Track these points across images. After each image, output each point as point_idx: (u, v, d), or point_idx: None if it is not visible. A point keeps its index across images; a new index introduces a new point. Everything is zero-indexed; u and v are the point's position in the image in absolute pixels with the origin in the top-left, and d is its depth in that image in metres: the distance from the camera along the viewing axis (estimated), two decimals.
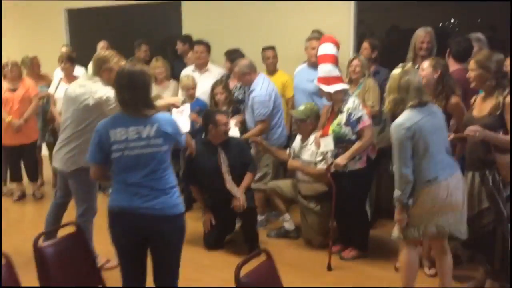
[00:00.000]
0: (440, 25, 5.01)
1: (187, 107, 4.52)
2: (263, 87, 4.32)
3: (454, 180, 2.83)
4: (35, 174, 5.56)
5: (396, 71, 2.92)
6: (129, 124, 2.44)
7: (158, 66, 5.20)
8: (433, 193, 2.79)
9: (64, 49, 5.99)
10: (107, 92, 3.24)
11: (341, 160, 3.62)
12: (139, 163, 2.45)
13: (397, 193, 2.81)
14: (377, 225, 4.41)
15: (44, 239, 2.46)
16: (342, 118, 3.67)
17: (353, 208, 3.80)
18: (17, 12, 7.29)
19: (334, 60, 3.73)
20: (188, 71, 5.17)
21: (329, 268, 3.65)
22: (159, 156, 2.46)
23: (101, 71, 3.42)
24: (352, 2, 5.17)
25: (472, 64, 3.05)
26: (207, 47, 5.15)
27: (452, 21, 5.05)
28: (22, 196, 5.51)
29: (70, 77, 5.49)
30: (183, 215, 2.56)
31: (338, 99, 3.71)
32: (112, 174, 2.53)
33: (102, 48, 5.92)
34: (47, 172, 5.85)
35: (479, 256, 3.16)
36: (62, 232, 2.62)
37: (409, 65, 3.00)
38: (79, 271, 2.39)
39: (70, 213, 3.68)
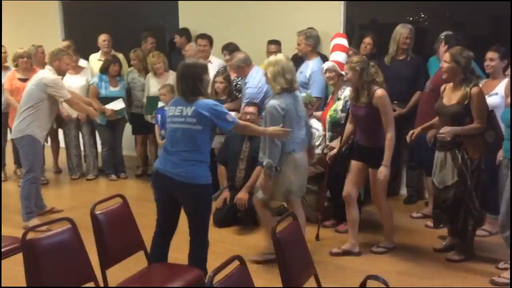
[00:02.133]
0: (411, 19, 5.30)
1: None
2: (255, 80, 4.67)
3: (303, 154, 3.54)
4: None
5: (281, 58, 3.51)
6: (178, 104, 3.01)
7: (155, 62, 5.52)
8: (292, 162, 3.44)
9: (65, 43, 6.18)
10: (52, 78, 4.33)
11: (335, 144, 4.00)
12: (176, 135, 2.96)
13: (268, 162, 3.34)
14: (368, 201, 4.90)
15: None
16: (338, 104, 4.06)
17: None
18: (12, 5, 7.38)
19: (348, 53, 4.21)
20: None
21: (317, 238, 4.09)
22: (192, 132, 2.92)
23: (52, 61, 4.46)
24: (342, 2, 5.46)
25: (446, 56, 3.53)
26: (210, 40, 5.48)
27: (422, 15, 5.38)
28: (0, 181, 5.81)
29: (76, 68, 5.77)
30: (207, 186, 2.99)
31: (339, 86, 4.09)
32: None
33: (102, 41, 6.18)
34: (48, 159, 6.10)
35: (445, 217, 3.72)
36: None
37: (280, 55, 3.59)
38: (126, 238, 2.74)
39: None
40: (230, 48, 5.15)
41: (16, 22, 7.55)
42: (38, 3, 7.36)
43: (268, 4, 5.82)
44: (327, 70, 4.14)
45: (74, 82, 5.70)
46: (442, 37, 4.37)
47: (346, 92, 4.02)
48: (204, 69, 3.08)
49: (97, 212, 2.63)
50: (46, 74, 4.41)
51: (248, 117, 4.38)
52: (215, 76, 5.04)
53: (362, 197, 4.77)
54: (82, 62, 5.96)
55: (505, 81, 3.84)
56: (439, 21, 5.29)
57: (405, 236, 4.21)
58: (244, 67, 4.71)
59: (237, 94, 5.03)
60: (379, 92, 3.51)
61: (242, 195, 4.24)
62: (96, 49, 6.27)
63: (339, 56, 4.12)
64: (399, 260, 3.77)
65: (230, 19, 6.08)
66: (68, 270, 2.38)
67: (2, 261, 2.86)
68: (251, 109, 4.40)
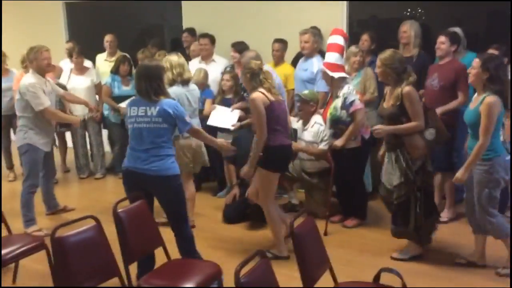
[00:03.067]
0: (408, 13, 5.43)
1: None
2: None
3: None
4: None
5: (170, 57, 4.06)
6: (140, 105, 3.16)
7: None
8: (177, 145, 3.99)
9: (68, 45, 6.26)
10: (26, 84, 4.13)
11: (339, 142, 4.11)
12: (142, 134, 3.13)
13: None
14: (375, 196, 5.00)
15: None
16: (338, 102, 4.14)
17: (352, 182, 4.31)
18: (16, 7, 7.44)
19: (341, 51, 4.20)
20: (195, 63, 5.59)
21: (325, 233, 4.14)
22: (157, 131, 3.11)
23: (29, 62, 4.28)
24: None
25: (378, 61, 3.67)
26: (212, 39, 5.59)
27: (419, 10, 5.46)
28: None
29: (81, 69, 5.85)
30: (177, 176, 3.19)
31: (337, 85, 4.18)
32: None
33: (107, 42, 6.26)
34: (56, 159, 6.12)
35: (398, 220, 3.70)
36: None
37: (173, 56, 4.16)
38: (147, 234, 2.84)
39: None
40: (238, 47, 5.22)
41: (20, 24, 7.62)
42: (41, 5, 7.41)
43: (271, 3, 5.90)
44: (321, 72, 4.29)
45: (79, 83, 5.79)
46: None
47: (345, 89, 4.10)
48: (163, 70, 3.32)
49: (119, 210, 2.72)
50: (24, 80, 4.21)
51: None
52: (223, 74, 5.12)
53: (370, 190, 4.92)
54: (87, 63, 6.03)
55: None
56: (439, 17, 5.40)
57: None
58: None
59: (243, 93, 5.11)
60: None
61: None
62: (102, 49, 6.34)
63: (332, 57, 4.14)
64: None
65: (233, 18, 6.16)
66: (94, 266, 2.49)
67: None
68: None
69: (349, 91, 4.11)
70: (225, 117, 4.93)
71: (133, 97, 3.32)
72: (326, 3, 5.60)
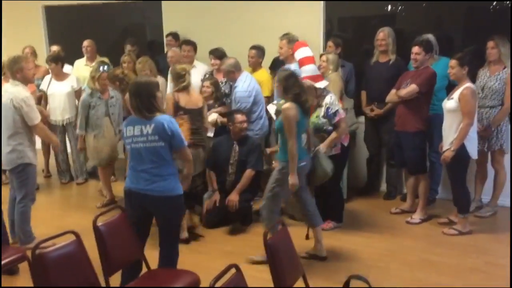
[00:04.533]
0: (389, 9, 5.55)
1: None
2: (244, 84, 4.88)
3: None
4: None
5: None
6: (135, 124, 3.08)
7: (141, 69, 5.49)
8: None
9: (55, 48, 6.26)
10: (22, 97, 3.86)
11: (323, 148, 4.15)
12: (141, 154, 3.07)
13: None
14: (349, 200, 5.17)
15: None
16: (320, 111, 4.21)
17: (329, 187, 4.41)
18: None
19: (314, 61, 4.26)
20: None
21: (307, 237, 4.18)
22: (156, 149, 3.05)
23: (14, 72, 3.95)
24: (322, 2, 5.61)
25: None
26: (194, 46, 5.65)
27: (400, 7, 5.54)
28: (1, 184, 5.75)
29: (61, 75, 5.87)
30: (180, 196, 3.15)
31: (319, 94, 4.23)
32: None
33: (85, 47, 6.27)
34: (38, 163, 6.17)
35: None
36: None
37: None
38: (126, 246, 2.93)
39: None
40: (217, 54, 5.30)
41: None
42: (20, 7, 7.35)
43: (250, 8, 5.98)
44: None
45: (59, 89, 5.80)
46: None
47: (327, 99, 4.18)
48: (157, 86, 3.20)
49: (99, 224, 2.80)
50: (16, 93, 3.88)
51: (244, 125, 4.60)
52: (203, 81, 5.20)
53: (345, 195, 5.09)
54: (66, 68, 6.04)
55: (461, 88, 4.12)
56: (417, 13, 5.52)
57: (386, 230, 4.48)
58: (234, 71, 4.91)
59: (223, 99, 5.21)
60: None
61: (233, 197, 4.45)
62: (81, 55, 6.36)
63: (308, 70, 4.17)
64: (381, 255, 4.02)
65: (213, 21, 6.21)
66: (75, 280, 2.56)
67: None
68: (244, 117, 4.63)
69: (332, 100, 4.15)
70: None
71: (129, 116, 3.26)
72: (303, 9, 5.69)
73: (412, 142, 4.50)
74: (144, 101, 3.06)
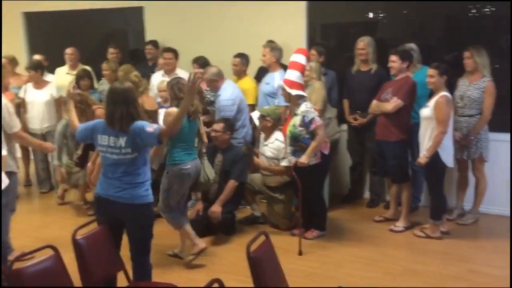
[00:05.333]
0: (371, 16, 5.61)
1: (161, 111, 5.03)
2: (227, 93, 4.85)
3: None
4: None
5: None
6: (111, 134, 3.01)
7: (125, 77, 5.49)
8: None
9: (36, 57, 6.15)
10: (7, 102, 3.84)
11: (304, 159, 4.15)
12: (114, 164, 3.04)
13: None
14: (332, 208, 5.16)
15: None
16: (296, 120, 4.21)
17: (312, 196, 4.39)
18: None
19: (302, 70, 4.28)
20: (158, 76, 5.61)
21: (300, 253, 4.14)
22: (129, 161, 3.02)
23: None
24: (304, 6, 5.61)
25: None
26: (175, 54, 5.61)
27: (381, 14, 5.60)
28: None
29: (39, 83, 5.76)
30: (149, 205, 3.12)
31: (294, 102, 4.25)
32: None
33: (68, 55, 6.19)
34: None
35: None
36: None
37: None
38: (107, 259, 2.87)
39: None
40: (200, 62, 5.28)
41: None
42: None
43: (233, 16, 5.97)
44: (280, 87, 4.36)
45: (38, 97, 5.69)
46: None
47: (302, 107, 4.16)
48: (133, 91, 3.14)
49: (78, 238, 2.74)
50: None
51: (213, 133, 4.57)
52: None
53: (328, 203, 5.08)
54: (47, 77, 5.95)
55: (437, 96, 4.19)
56: (398, 21, 5.59)
57: (369, 240, 4.48)
58: (217, 80, 4.88)
59: (207, 108, 5.17)
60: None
61: (216, 208, 4.40)
62: (62, 62, 6.27)
63: (292, 75, 4.21)
64: (364, 264, 4.01)
65: (196, 28, 6.18)
66: None
67: None
68: (217, 126, 4.60)
69: (307, 108, 4.16)
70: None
71: (103, 121, 3.10)
72: (286, 16, 5.70)
73: (393, 151, 4.52)
74: (130, 109, 2.98)
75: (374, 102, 4.60)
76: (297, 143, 4.25)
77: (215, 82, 4.90)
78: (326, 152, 4.34)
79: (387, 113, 4.46)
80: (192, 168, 3.86)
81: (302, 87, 4.29)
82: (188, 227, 4.00)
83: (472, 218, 4.77)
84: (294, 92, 4.19)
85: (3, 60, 5.93)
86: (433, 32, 5.47)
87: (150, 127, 2.99)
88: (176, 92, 3.83)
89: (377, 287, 3.61)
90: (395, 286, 3.64)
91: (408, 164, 4.71)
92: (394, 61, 4.46)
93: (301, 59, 4.27)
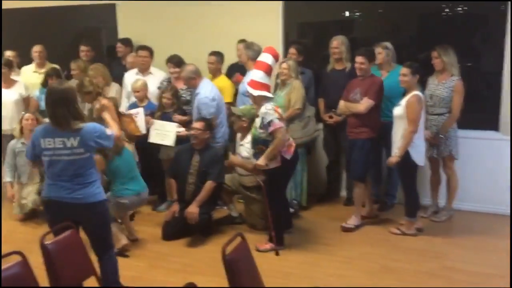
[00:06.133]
0: (348, 15, 5.62)
1: (141, 110, 4.93)
2: (207, 90, 4.78)
3: None
4: None
5: None
6: (56, 136, 2.96)
7: (95, 76, 5.23)
8: None
9: (8, 53, 5.96)
10: None
11: (261, 161, 4.04)
12: (64, 166, 3.00)
13: None
14: (309, 207, 5.16)
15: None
16: (257, 121, 4.11)
17: (270, 202, 4.19)
18: None
19: (268, 70, 4.10)
20: (132, 75, 5.50)
21: (277, 253, 4.11)
22: (81, 161, 3.01)
23: None
24: (280, 5, 5.58)
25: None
26: (150, 52, 5.50)
27: (356, 13, 5.61)
28: None
29: (9, 82, 5.59)
30: (103, 202, 3.15)
31: (258, 103, 4.10)
32: (45, 171, 3.11)
33: (35, 53, 6.01)
34: None
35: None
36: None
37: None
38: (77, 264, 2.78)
39: None
40: (175, 61, 5.18)
41: None
42: None
43: (208, 13, 5.89)
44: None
45: (7, 96, 5.53)
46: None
47: (262, 109, 4.04)
48: (73, 90, 3.14)
49: (47, 243, 2.64)
50: None
51: (193, 131, 4.49)
52: (163, 92, 5.07)
53: (305, 203, 5.09)
54: (14, 75, 5.77)
55: (409, 96, 4.23)
56: (373, 19, 5.59)
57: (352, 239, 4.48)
58: (195, 78, 4.81)
59: (183, 107, 5.10)
60: None
61: (193, 209, 4.33)
62: (29, 61, 6.09)
63: (256, 75, 4.10)
64: (341, 263, 4.01)
65: (169, 26, 6.08)
66: None
67: None
68: (197, 124, 4.52)
69: (266, 110, 3.98)
70: (164, 133, 4.91)
71: (44, 126, 3.10)
72: (262, 14, 5.65)
73: (361, 148, 4.50)
74: (70, 110, 2.96)
75: (342, 102, 4.59)
76: (257, 146, 4.12)
77: (193, 80, 4.83)
78: (288, 156, 4.09)
79: (359, 113, 4.45)
80: (130, 202, 4.20)
81: (267, 87, 4.12)
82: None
83: (445, 215, 4.82)
84: (256, 92, 4.05)
85: (9, 53, 5.91)
86: (408, 31, 5.51)
87: (108, 130, 3.16)
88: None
89: (354, 287, 3.60)
90: (372, 284, 3.65)
91: (368, 163, 4.63)
92: (363, 62, 4.45)
93: (267, 58, 4.14)
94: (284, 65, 4.85)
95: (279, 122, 3.97)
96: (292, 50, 5.18)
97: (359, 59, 4.47)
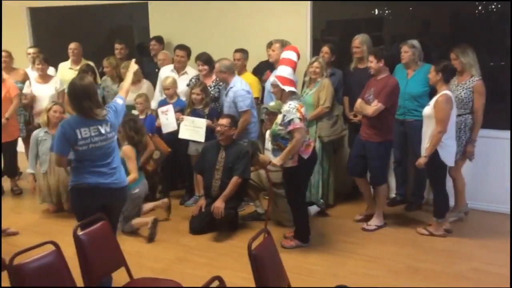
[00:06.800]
0: (377, 13, 5.55)
1: (170, 107, 5.02)
2: (242, 84, 4.84)
3: None
4: (15, 170, 5.79)
5: None
6: (90, 125, 3.19)
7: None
8: None
9: (31, 50, 6.16)
10: None
11: (277, 161, 4.04)
12: (99, 153, 3.22)
13: None
14: (336, 205, 5.16)
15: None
16: (279, 118, 4.10)
17: (290, 202, 4.25)
18: None
19: (294, 66, 4.12)
20: (167, 71, 5.59)
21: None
22: (110, 144, 3.28)
23: None
24: (308, 6, 5.57)
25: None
26: (188, 52, 5.58)
27: (386, 10, 5.54)
28: (2, 193, 5.71)
29: (45, 77, 5.78)
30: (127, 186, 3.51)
31: (284, 100, 4.08)
32: (76, 161, 3.26)
33: (71, 50, 6.19)
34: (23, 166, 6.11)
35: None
36: None
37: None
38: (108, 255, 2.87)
39: None
40: (203, 59, 5.25)
41: None
42: (4, 9, 7.22)
43: (237, 11, 5.95)
44: (271, 84, 4.21)
45: (43, 91, 5.72)
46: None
47: (285, 107, 4.02)
48: (93, 85, 3.32)
49: (80, 233, 2.74)
50: None
51: (219, 128, 4.55)
52: (192, 87, 5.15)
53: (332, 201, 5.08)
54: (50, 71, 5.96)
55: (438, 95, 4.17)
56: (403, 17, 5.51)
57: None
58: (225, 72, 4.85)
59: (212, 104, 5.16)
60: None
61: (219, 204, 4.39)
62: (66, 57, 6.27)
63: (284, 71, 4.06)
64: (366, 262, 4.00)
65: (199, 24, 6.18)
66: None
67: None
68: (223, 121, 4.56)
69: (289, 108, 3.95)
70: (194, 129, 4.99)
71: (73, 118, 3.24)
72: (290, 12, 5.66)
73: (377, 152, 4.44)
74: (94, 101, 3.18)
75: (359, 101, 4.51)
76: (275, 142, 4.12)
77: (223, 74, 4.88)
78: (305, 156, 4.05)
79: (368, 116, 4.39)
80: (140, 190, 4.49)
81: (294, 84, 4.11)
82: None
83: (454, 217, 4.71)
84: (287, 88, 4.03)
85: (32, 49, 6.05)
86: (439, 29, 5.42)
87: (119, 100, 3.44)
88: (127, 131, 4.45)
89: (380, 286, 3.59)
90: (397, 284, 3.63)
91: (388, 165, 4.61)
92: (371, 61, 4.40)
93: (292, 55, 4.12)
94: (316, 64, 4.84)
95: (300, 122, 3.92)
96: (326, 49, 5.16)
97: (369, 58, 4.45)
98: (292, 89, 4.06)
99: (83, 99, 3.15)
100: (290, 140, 3.96)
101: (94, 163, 3.22)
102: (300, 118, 3.92)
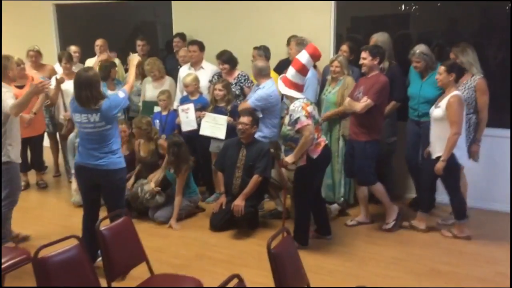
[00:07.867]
0: (403, 9, 5.42)
1: (191, 106, 5.04)
2: (270, 89, 4.74)
3: None
4: (41, 164, 5.91)
5: None
6: (82, 112, 3.48)
7: (150, 70, 5.64)
8: None
9: (73, 48, 6.26)
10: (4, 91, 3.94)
11: (289, 159, 3.99)
12: (90, 137, 3.55)
13: None
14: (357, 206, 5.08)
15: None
16: (286, 119, 4.08)
17: (293, 199, 4.25)
18: (5, 7, 7.40)
19: (301, 68, 3.92)
20: (185, 69, 5.62)
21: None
22: (103, 132, 3.51)
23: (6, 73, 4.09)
24: (333, 3, 5.52)
25: None
26: (200, 46, 5.59)
27: (414, 6, 5.41)
28: (27, 186, 5.85)
29: (71, 74, 5.87)
30: (122, 169, 3.67)
31: (291, 100, 4.01)
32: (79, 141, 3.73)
33: (97, 46, 6.28)
34: (48, 160, 6.29)
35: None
36: None
37: None
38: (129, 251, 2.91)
39: None
40: (223, 58, 5.25)
41: (8, 25, 7.55)
42: (31, 6, 7.38)
43: (259, 9, 5.94)
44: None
45: (70, 87, 5.79)
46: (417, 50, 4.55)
47: (291, 106, 3.98)
48: (97, 76, 3.56)
49: (102, 228, 2.78)
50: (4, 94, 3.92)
51: (240, 126, 4.55)
52: (215, 84, 5.15)
53: (352, 200, 5.03)
54: (78, 66, 6.05)
55: (448, 96, 4.05)
56: (430, 14, 5.38)
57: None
58: (258, 75, 4.81)
59: (236, 101, 5.16)
60: None
61: (239, 202, 4.40)
62: (91, 54, 6.37)
63: (289, 72, 3.98)
64: (388, 263, 3.95)
65: (222, 21, 6.19)
66: (77, 285, 2.54)
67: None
68: (244, 119, 4.56)
69: (295, 107, 3.89)
70: (216, 126, 5.00)
71: (73, 104, 3.54)
72: (313, 9, 5.62)
73: (363, 152, 4.35)
74: (93, 93, 3.40)
75: (348, 99, 4.43)
76: (286, 142, 4.09)
77: (256, 76, 4.85)
78: (314, 155, 3.98)
79: (357, 113, 4.29)
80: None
81: (296, 86, 3.98)
82: None
83: (453, 219, 4.54)
84: (284, 90, 3.98)
85: (74, 48, 6.22)
86: (467, 27, 5.29)
87: (120, 93, 3.59)
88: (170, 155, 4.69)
89: (400, 287, 3.55)
90: (419, 286, 3.58)
91: (374, 167, 4.46)
92: (365, 57, 4.28)
93: (302, 56, 3.95)
94: (336, 63, 4.80)
95: (306, 119, 3.85)
96: (344, 48, 5.09)
97: (362, 54, 4.33)
98: (290, 92, 3.96)
99: (83, 89, 3.40)
100: (300, 140, 3.94)
101: (88, 145, 3.56)
102: (306, 116, 3.85)
